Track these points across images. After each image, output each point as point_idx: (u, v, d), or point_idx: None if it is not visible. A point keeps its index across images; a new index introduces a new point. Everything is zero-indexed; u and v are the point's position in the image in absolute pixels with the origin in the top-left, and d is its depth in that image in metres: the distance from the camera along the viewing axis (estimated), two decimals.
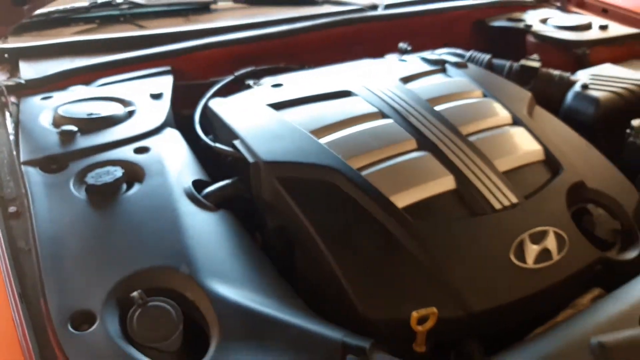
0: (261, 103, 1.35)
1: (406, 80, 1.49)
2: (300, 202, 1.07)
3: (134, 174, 1.12)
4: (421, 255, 1.00)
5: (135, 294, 0.83)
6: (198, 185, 1.15)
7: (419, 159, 1.18)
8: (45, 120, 1.31)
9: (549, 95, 1.69)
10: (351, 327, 0.89)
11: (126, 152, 1.17)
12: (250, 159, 1.15)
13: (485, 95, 1.44)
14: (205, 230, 1.01)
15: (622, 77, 1.68)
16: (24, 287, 0.86)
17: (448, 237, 1.04)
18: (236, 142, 1.21)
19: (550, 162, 1.24)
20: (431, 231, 1.04)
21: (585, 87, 1.61)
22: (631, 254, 1.14)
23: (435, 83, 1.49)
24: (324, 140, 1.21)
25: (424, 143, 1.22)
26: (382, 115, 1.30)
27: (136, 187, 1.09)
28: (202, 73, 1.66)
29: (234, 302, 0.86)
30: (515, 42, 2.14)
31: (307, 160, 1.13)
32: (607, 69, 1.77)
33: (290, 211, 1.07)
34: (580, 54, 1.93)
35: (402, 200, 1.09)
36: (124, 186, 1.09)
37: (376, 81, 1.46)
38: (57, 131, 1.22)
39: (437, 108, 1.34)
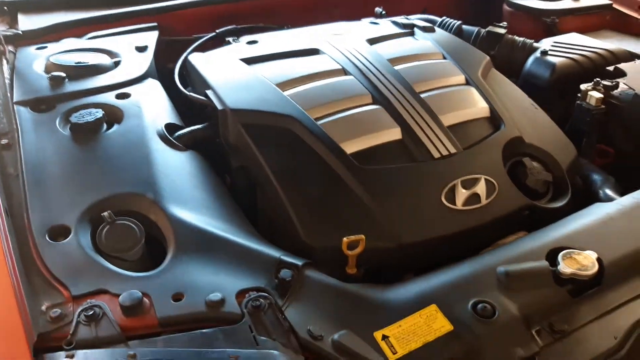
0: (235, 58, 1.47)
1: (373, 41, 1.60)
2: (259, 145, 1.20)
3: (114, 115, 1.26)
4: (362, 194, 1.14)
5: (105, 213, 0.97)
6: (171, 128, 1.29)
7: (371, 111, 1.31)
8: (38, 67, 1.44)
9: (512, 60, 1.80)
10: (297, 254, 1.04)
11: (108, 97, 1.31)
12: (219, 107, 1.28)
13: (444, 58, 1.55)
14: (172, 165, 1.15)
15: (582, 45, 1.78)
16: (10, 205, 1.01)
17: (387, 180, 1.18)
18: (208, 92, 1.34)
19: (493, 119, 1.36)
20: (372, 174, 1.18)
21: (544, 53, 1.71)
22: (558, 203, 1.28)
23: (399, 45, 1.60)
24: (288, 92, 1.33)
25: (378, 98, 1.34)
26: (344, 72, 1.42)
27: (115, 127, 1.23)
28: (187, 30, 1.77)
29: (189, 223, 1.01)
30: (493, 10, 2.22)
31: (269, 109, 1.26)
32: (572, 38, 1.86)
33: (251, 153, 1.20)
34: (549, 23, 2.01)
35: (351, 147, 1.22)
36: (104, 126, 1.23)
37: (344, 41, 1.57)
38: (47, 76, 1.36)
39: (397, 67, 1.45)
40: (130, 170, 1.11)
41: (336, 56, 1.49)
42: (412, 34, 1.71)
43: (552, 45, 1.78)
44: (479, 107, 1.39)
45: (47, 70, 1.42)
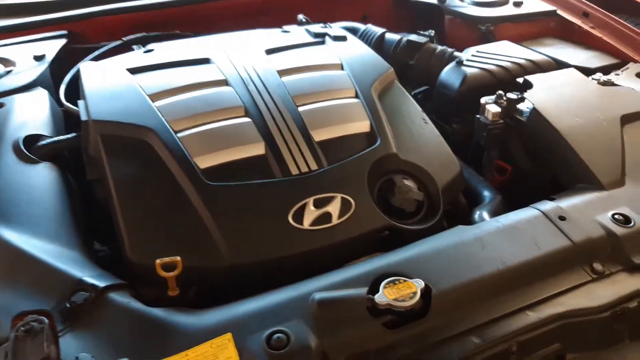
0: (122, 67, 1.46)
1: (271, 51, 1.55)
2: (110, 156, 1.18)
3: None
4: (202, 211, 1.11)
5: None
6: (35, 139, 1.28)
7: (238, 124, 1.27)
8: None
9: (430, 70, 1.73)
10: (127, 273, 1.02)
11: None
12: (83, 117, 1.27)
13: (342, 69, 1.50)
14: (15, 179, 1.15)
15: (505, 54, 1.69)
16: None
17: (231, 198, 1.14)
18: (79, 102, 1.33)
19: (371, 135, 1.30)
20: (218, 191, 1.14)
21: (460, 62, 1.64)
22: (423, 224, 1.21)
23: (297, 55, 1.55)
24: (158, 103, 1.31)
25: (251, 111, 1.30)
26: (226, 83, 1.39)
27: None
28: (101, 38, 1.78)
29: (6, 241, 0.99)
30: (434, 17, 2.15)
31: (128, 120, 1.24)
32: (499, 46, 1.77)
33: (102, 164, 1.19)
34: (484, 30, 1.93)
35: (206, 161, 1.18)
36: None
37: (240, 51, 1.53)
38: None
39: (284, 79, 1.41)
40: None
41: (224, 67, 1.45)
42: (322, 42, 1.67)
43: (473, 55, 1.70)
44: (359, 122, 1.33)
45: None
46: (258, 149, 1.23)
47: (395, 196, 1.23)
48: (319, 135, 1.27)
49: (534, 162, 1.42)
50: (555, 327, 0.98)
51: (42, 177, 1.19)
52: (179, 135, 1.22)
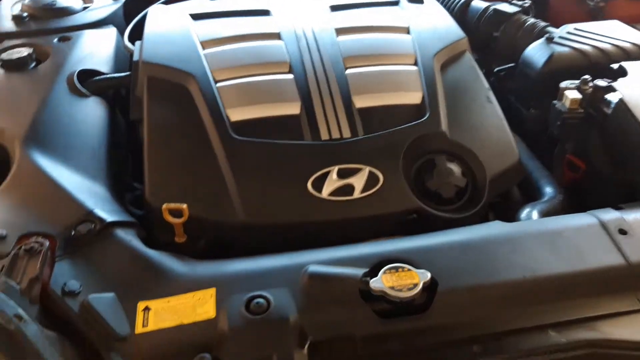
0: (186, 12, 1.46)
1: (337, 8, 1.46)
2: (152, 98, 1.19)
3: (44, 56, 1.34)
4: (223, 164, 1.09)
5: None
6: (91, 75, 1.33)
7: (279, 80, 1.22)
8: (16, 8, 1.57)
9: (516, 44, 1.54)
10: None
11: (50, 39, 1.39)
12: (135, 57, 1.30)
13: (408, 33, 1.38)
14: (62, 109, 1.20)
15: (609, 35, 1.45)
16: None
17: (255, 155, 1.10)
18: (137, 43, 1.36)
19: (420, 108, 1.19)
20: (242, 146, 1.10)
21: (550, 39, 1.43)
22: (457, 214, 1.09)
23: (362, 15, 1.44)
24: (207, 50, 1.29)
25: (295, 68, 1.24)
26: (277, 37, 1.33)
27: (39, 66, 1.31)
28: None
29: (34, 163, 1.05)
30: None
31: (174, 65, 1.24)
32: (606, 26, 1.52)
33: (143, 106, 1.20)
34: (593, 7, 1.67)
35: (237, 114, 1.15)
36: (32, 64, 1.32)
37: (304, 5, 1.46)
38: (11, 15, 1.48)
39: (340, 38, 1.33)
40: (18, 107, 1.18)
41: (281, 20, 1.40)
42: (396, 3, 1.54)
43: (569, 32, 1.47)
44: (410, 92, 1.21)
45: (22, 10, 1.55)
46: (293, 108, 1.17)
47: (433, 179, 1.11)
48: (360, 102, 1.18)
49: (613, 163, 1.21)
50: (581, 354, 0.84)
51: (88, 110, 1.24)
52: (218, 84, 1.20)
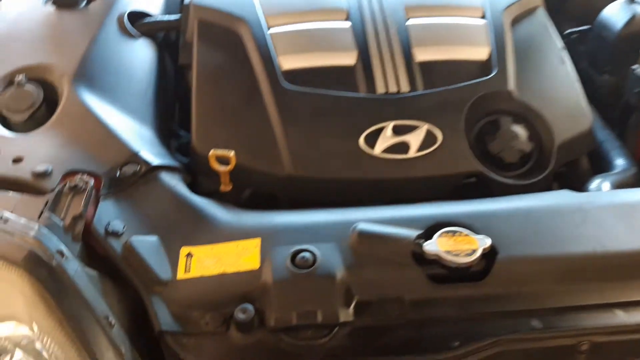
0: None
1: None
2: (202, 43, 1.14)
3: None
4: (272, 113, 1.03)
5: (19, 76, 1.04)
6: (142, 16, 1.29)
7: (335, 28, 1.14)
8: None
9: (593, 3, 1.39)
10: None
11: None
12: (186, 0, 1.25)
13: None
14: (111, 49, 1.16)
15: None
16: None
17: (307, 105, 1.04)
18: None
19: (486, 65, 1.09)
20: (293, 95, 1.05)
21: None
22: (520, 180, 1.01)
23: None
24: None
25: (353, 15, 1.16)
26: None
27: (90, 5, 1.28)
28: None
29: (82, 102, 1.02)
30: None
31: (226, 8, 1.18)
32: None
33: (193, 50, 1.16)
34: None
35: (289, 62, 1.09)
36: (84, 2, 1.28)
37: None
38: None
39: None
40: (71, 43, 1.15)
41: None
42: None
43: None
44: (476, 47, 1.12)
45: None
46: (348, 58, 1.10)
47: (496, 141, 1.03)
48: (422, 54, 1.10)
49: None
50: None
51: (137, 52, 1.20)
52: (271, 30, 1.14)
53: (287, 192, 1.02)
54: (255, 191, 1.04)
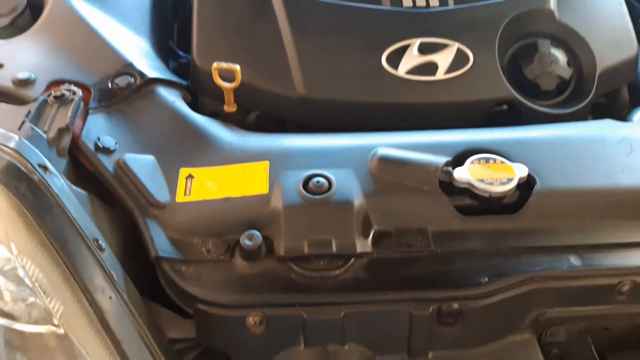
0: None
1: None
2: None
3: None
4: (284, 27, 0.91)
5: None
6: None
7: None
8: None
9: None
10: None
11: None
12: None
13: None
14: None
15: None
16: None
17: (323, 18, 0.92)
18: None
19: None
20: (308, 7, 0.92)
21: None
22: (556, 109, 0.91)
23: None
24: None
25: None
26: None
27: None
28: None
29: (69, 5, 0.90)
30: None
31: None
32: None
33: None
34: None
35: None
36: None
37: None
38: None
39: None
40: None
41: None
42: None
43: None
44: None
45: None
46: None
47: (533, 65, 0.92)
48: None
49: None
50: None
51: None
52: None
53: (297, 117, 0.92)
54: (263, 115, 0.95)
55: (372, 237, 0.70)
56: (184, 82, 0.95)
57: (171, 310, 0.71)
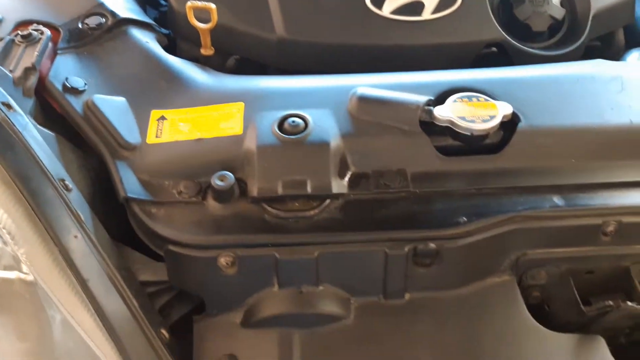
0: None
1: None
2: None
3: None
4: None
5: None
6: None
7: None
8: None
9: None
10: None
11: None
12: None
13: None
14: None
15: None
16: None
17: None
18: None
19: None
20: None
21: None
22: (547, 51, 0.88)
23: None
24: None
25: None
26: None
27: None
28: None
29: None
30: None
31: None
32: None
33: None
34: None
35: None
36: None
37: None
38: None
39: None
40: None
41: None
42: None
43: None
44: None
45: None
46: None
47: (524, 5, 0.88)
48: None
49: None
50: None
51: None
52: None
53: (277, 60, 0.89)
54: (242, 59, 0.92)
55: (349, 179, 0.67)
56: (163, 31, 0.92)
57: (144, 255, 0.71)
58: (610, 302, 0.66)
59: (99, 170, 0.70)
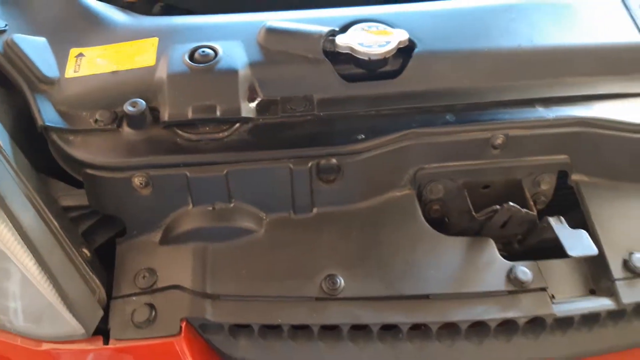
0: None
1: None
2: None
3: None
4: None
5: None
6: None
7: None
8: None
9: None
10: None
11: None
12: None
13: None
14: None
15: None
16: None
17: None
18: None
19: None
20: None
21: None
22: None
23: None
24: None
25: None
26: None
27: None
28: None
29: None
30: None
31: None
32: None
33: None
34: None
35: None
36: None
37: None
38: None
39: None
40: None
41: None
42: None
43: None
44: None
45: None
46: None
47: None
48: None
49: None
50: (568, 132, 0.73)
51: None
52: None
53: (204, 6, 0.93)
54: (167, 6, 0.95)
55: (258, 104, 0.72)
56: None
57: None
58: (497, 206, 0.71)
59: (23, 108, 0.74)
